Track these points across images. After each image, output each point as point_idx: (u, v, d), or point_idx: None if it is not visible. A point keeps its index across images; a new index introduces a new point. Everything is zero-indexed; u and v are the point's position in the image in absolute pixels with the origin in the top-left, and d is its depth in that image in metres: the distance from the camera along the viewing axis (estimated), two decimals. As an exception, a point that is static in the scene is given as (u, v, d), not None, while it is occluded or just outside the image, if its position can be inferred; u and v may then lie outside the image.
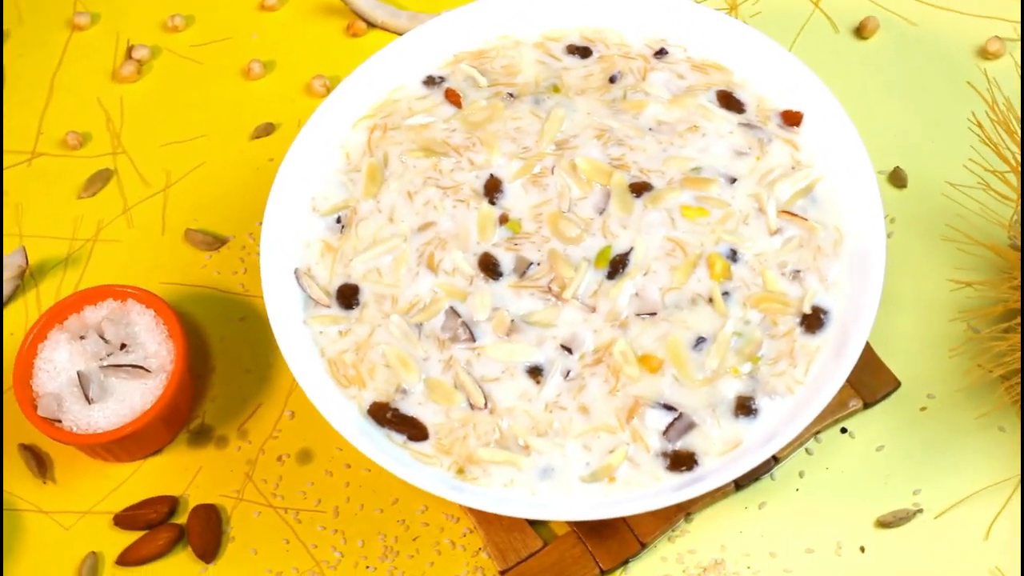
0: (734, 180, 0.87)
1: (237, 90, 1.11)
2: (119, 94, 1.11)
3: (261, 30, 1.15)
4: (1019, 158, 0.88)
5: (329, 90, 1.07)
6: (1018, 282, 0.87)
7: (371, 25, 1.17)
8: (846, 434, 0.91)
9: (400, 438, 0.81)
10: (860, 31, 1.14)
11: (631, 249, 0.85)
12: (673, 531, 0.87)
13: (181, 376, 0.88)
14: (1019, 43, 1.10)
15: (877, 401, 0.91)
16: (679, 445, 0.80)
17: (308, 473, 0.91)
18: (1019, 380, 0.84)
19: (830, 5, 1.16)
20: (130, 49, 1.12)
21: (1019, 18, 1.11)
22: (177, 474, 0.92)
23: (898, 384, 0.91)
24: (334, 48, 1.13)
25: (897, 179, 1.02)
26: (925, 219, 0.99)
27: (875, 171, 0.94)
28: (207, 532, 0.88)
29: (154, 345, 0.90)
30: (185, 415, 0.93)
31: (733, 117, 0.91)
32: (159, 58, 1.13)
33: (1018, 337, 0.87)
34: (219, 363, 0.97)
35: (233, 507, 0.91)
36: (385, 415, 0.82)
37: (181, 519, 0.90)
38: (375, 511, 0.89)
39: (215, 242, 1.02)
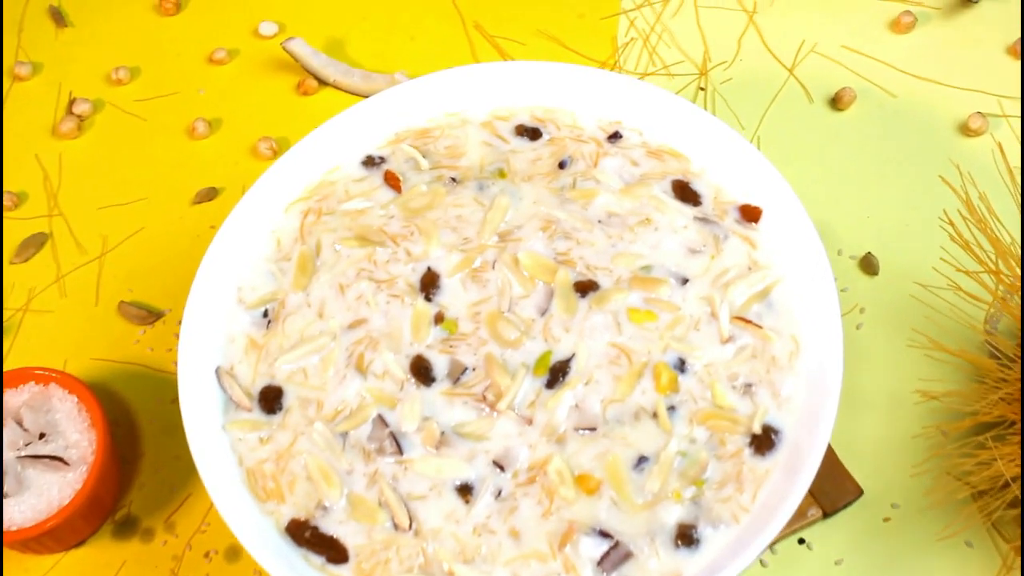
0: (686, 280, 0.85)
1: (181, 150, 1.10)
2: (58, 151, 1.09)
3: (209, 85, 1.13)
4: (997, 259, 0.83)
5: (277, 153, 1.07)
6: (996, 396, 0.81)
7: (323, 83, 1.14)
8: (803, 545, 0.89)
9: (318, 560, 0.77)
10: (836, 102, 1.09)
11: (573, 355, 0.82)
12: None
13: (102, 468, 0.86)
14: (1002, 118, 1.05)
15: (838, 510, 0.88)
16: None
17: (236, 572, 0.88)
18: (995, 498, 0.77)
19: (805, 73, 1.12)
20: (71, 103, 1.10)
21: (1003, 92, 1.05)
22: (98, 570, 0.89)
23: (860, 492, 0.88)
24: (283, 107, 1.12)
25: (868, 266, 1.01)
26: (895, 313, 0.96)
27: (846, 255, 0.92)
28: None
29: (75, 434, 0.87)
30: (108, 507, 0.90)
31: (688, 210, 0.88)
32: (101, 112, 1.12)
33: (989, 454, 0.82)
34: (148, 448, 0.94)
35: None
36: (303, 534, 0.78)
37: None
38: None
39: (149, 316, 1.00)
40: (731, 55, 1.10)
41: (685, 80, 1.07)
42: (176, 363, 0.89)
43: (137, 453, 0.94)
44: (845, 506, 0.88)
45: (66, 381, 0.89)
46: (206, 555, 0.89)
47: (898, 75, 1.11)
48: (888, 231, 1.01)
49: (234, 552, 0.89)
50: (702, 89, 1.04)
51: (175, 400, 0.91)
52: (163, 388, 0.96)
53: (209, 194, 1.07)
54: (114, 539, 0.90)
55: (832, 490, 0.86)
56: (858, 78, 1.10)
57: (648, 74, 1.07)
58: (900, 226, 1.01)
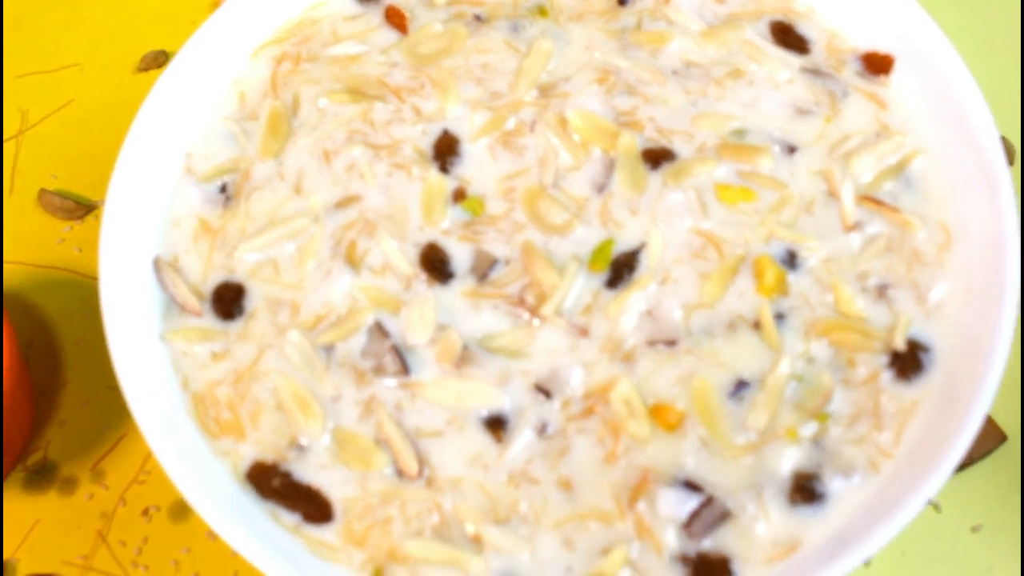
0: (793, 149, 0.75)
1: (123, 4, 1.02)
2: (-36, 4, 1.03)
3: (159, -76, 1.05)
4: None
5: (244, 11, 1.00)
6: None
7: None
8: (930, 506, 0.80)
9: (291, 518, 0.68)
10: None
11: (642, 245, 0.73)
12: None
13: (9, 398, 0.78)
14: None
15: (974, 461, 0.80)
16: (707, 545, 0.67)
17: (183, 534, 0.81)
18: None
19: None
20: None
21: None
22: (3, 529, 0.82)
23: (1004, 438, 0.81)
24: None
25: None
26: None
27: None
28: None
29: (-26, 353, 0.79)
30: (18, 447, 0.83)
31: (793, 59, 0.79)
32: (23, -42, 1.04)
33: None
34: (72, 376, 0.86)
35: None
36: (270, 482, 0.69)
37: None
38: None
39: (78, 209, 0.92)
40: None
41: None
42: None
43: (57, 382, 0.86)
44: (983, 456, 0.81)
45: (-39, 286, 0.83)
46: (144, 512, 0.82)
47: None
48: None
49: (182, 508, 0.82)
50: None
51: (110, 315, 0.86)
52: (94, 299, 0.89)
53: (157, 59, 0.98)
54: (24, 490, 0.83)
55: (967, 435, 0.80)
56: None
57: None
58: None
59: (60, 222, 0.92)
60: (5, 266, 0.90)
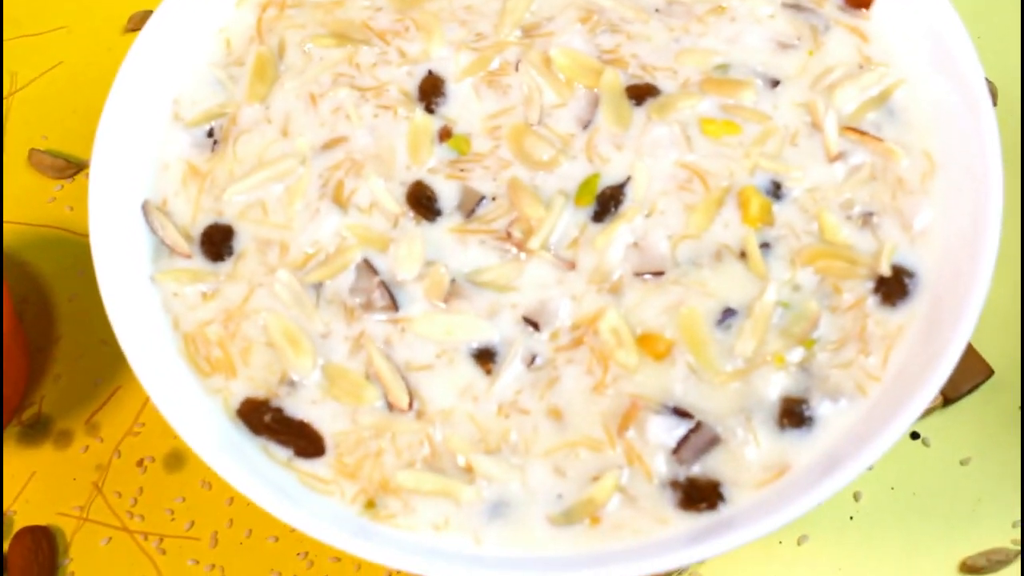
0: (776, 83, 0.74)
1: None
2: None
3: None
4: None
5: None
6: None
7: None
8: (918, 440, 0.81)
9: (283, 453, 0.68)
10: None
11: (628, 179, 0.72)
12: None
13: (6, 350, 0.78)
14: None
15: (961, 396, 0.81)
16: (697, 470, 0.66)
17: (178, 484, 0.81)
18: None
19: None
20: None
21: None
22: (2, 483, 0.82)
23: (990, 373, 0.81)
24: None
25: (986, 94, 0.85)
26: (1016, 153, 0.86)
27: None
28: (35, 567, 0.78)
29: (-36, 310, 0.79)
30: (13, 402, 0.82)
31: None
32: (9, -80, 1.03)
33: None
34: (66, 331, 0.86)
35: (74, 530, 0.81)
36: (262, 418, 0.68)
37: (1, 547, 0.80)
38: (267, 539, 0.79)
39: (68, 167, 0.92)
40: None
41: None
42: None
43: (51, 338, 0.87)
44: (971, 390, 0.81)
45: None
46: (139, 463, 0.82)
47: None
48: (1011, 55, 0.90)
49: (176, 458, 0.82)
50: None
51: (102, 271, 0.85)
52: (87, 257, 0.83)
53: (144, 19, 0.94)
54: (20, 444, 0.83)
55: (954, 370, 0.74)
56: None
57: None
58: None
59: (51, 181, 0.91)
60: (-3, 225, 0.88)
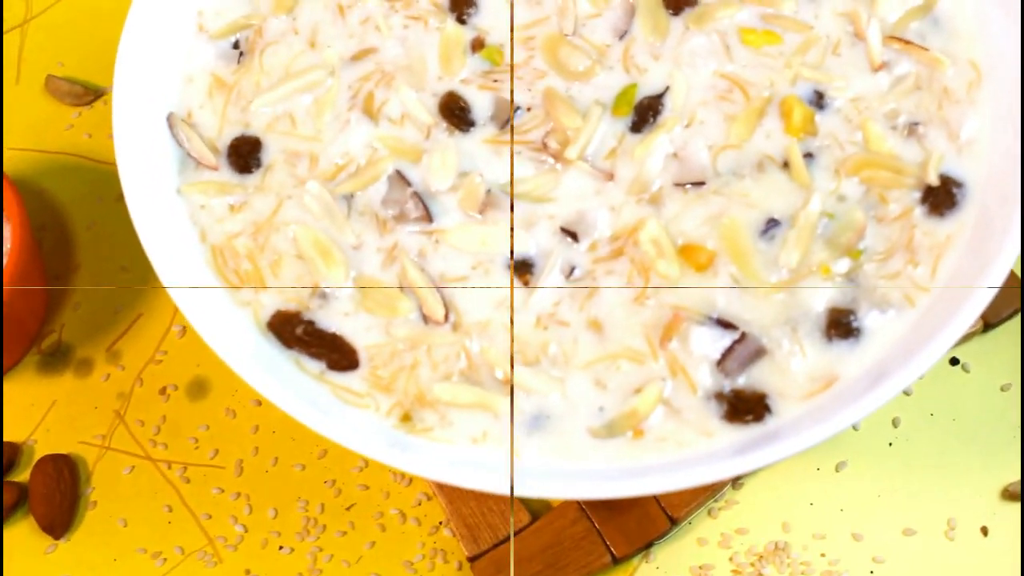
0: None
1: None
2: None
3: None
4: None
5: None
6: None
7: None
8: (958, 366, 0.80)
9: (316, 366, 0.67)
10: None
11: (666, 89, 0.71)
12: (715, 502, 0.77)
13: (23, 276, 0.77)
14: None
15: (1002, 320, 0.80)
16: (742, 382, 0.66)
17: (202, 412, 0.81)
18: None
19: None
20: None
21: None
22: (19, 412, 0.82)
23: None
24: None
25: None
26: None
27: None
28: (57, 495, 0.78)
29: (-19, 235, 0.78)
30: (32, 330, 0.82)
31: None
32: None
33: None
34: (85, 259, 0.86)
35: (96, 459, 0.80)
36: (294, 331, 0.67)
37: (23, 476, 0.80)
38: (294, 467, 0.79)
39: (86, 94, 0.90)
40: None
41: None
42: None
43: (70, 266, 0.86)
44: (1011, 315, 0.80)
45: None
46: (162, 391, 0.81)
47: None
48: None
49: (199, 387, 0.82)
50: None
51: (121, 197, 0.78)
52: (105, 184, 0.88)
53: None
54: (40, 373, 0.83)
55: (995, 295, 0.73)
56: None
57: None
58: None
59: (68, 108, 0.90)
60: (14, 153, 0.88)
